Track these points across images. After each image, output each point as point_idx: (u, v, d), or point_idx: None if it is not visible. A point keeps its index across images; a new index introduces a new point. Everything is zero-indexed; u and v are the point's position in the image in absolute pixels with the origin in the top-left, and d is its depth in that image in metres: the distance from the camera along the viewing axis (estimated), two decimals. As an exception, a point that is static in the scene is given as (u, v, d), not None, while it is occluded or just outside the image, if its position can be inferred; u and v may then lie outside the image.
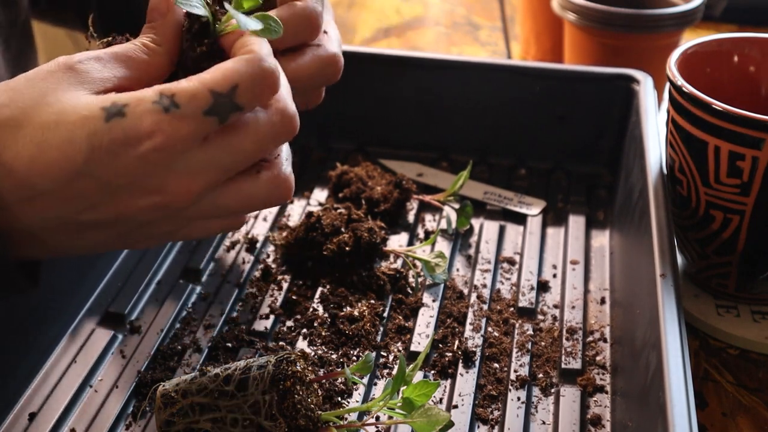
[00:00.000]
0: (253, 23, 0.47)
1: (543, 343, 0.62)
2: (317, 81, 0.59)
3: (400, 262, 0.70)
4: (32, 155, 0.43)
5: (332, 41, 0.60)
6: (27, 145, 0.43)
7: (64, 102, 0.44)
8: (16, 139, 0.43)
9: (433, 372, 0.60)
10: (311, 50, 0.58)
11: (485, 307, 0.65)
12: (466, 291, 0.67)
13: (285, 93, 0.48)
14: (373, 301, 0.65)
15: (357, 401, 0.57)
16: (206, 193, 0.47)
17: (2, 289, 0.46)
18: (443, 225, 0.74)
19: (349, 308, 0.64)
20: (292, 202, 0.78)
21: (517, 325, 0.64)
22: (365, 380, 0.58)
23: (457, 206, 0.74)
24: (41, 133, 0.43)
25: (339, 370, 0.58)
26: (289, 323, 0.64)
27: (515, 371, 0.60)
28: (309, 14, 0.55)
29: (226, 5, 0.48)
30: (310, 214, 0.69)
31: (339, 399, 0.57)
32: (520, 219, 0.76)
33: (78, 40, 2.30)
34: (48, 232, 0.46)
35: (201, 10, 0.47)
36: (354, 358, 0.60)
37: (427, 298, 0.66)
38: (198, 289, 0.67)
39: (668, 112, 0.65)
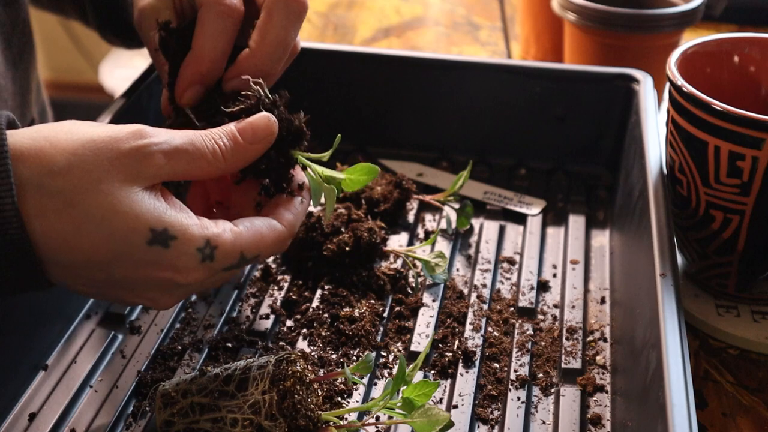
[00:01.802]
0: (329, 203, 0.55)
1: (543, 343, 0.62)
2: (290, 23, 0.57)
3: (400, 262, 0.70)
4: (67, 236, 0.45)
5: None
6: (67, 224, 0.44)
7: (119, 200, 0.45)
8: (60, 215, 0.44)
9: (433, 372, 0.60)
10: (264, 7, 0.57)
11: (485, 307, 0.65)
12: (466, 291, 0.67)
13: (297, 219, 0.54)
14: (373, 301, 0.65)
15: (357, 401, 0.57)
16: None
17: (26, 286, 0.47)
18: (443, 225, 0.74)
19: (349, 308, 0.64)
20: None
21: (517, 325, 0.64)
22: (365, 380, 0.58)
23: (457, 206, 0.74)
24: (82, 221, 0.45)
25: (339, 370, 0.58)
26: (289, 323, 0.64)
27: (515, 371, 0.60)
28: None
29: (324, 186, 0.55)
30: (310, 214, 0.69)
31: (339, 399, 0.57)
32: (520, 219, 0.76)
33: (79, 40, 2.29)
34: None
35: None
36: (354, 358, 0.60)
37: (427, 298, 0.66)
38: (198, 289, 0.67)
39: (668, 112, 0.65)
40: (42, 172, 0.44)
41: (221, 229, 0.48)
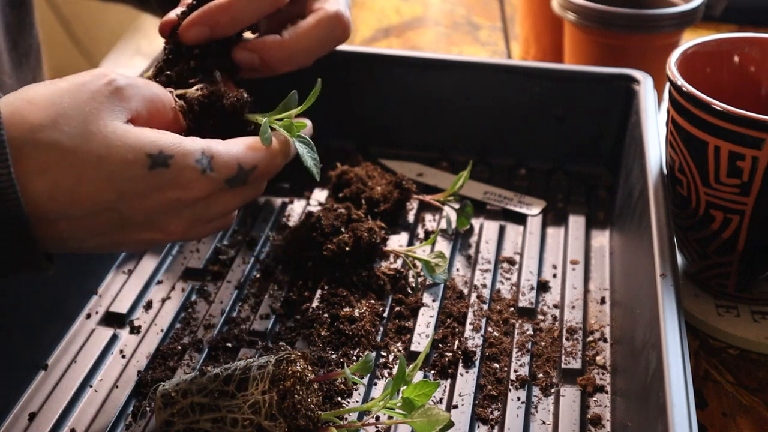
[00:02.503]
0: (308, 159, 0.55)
1: (543, 343, 0.62)
2: (328, 43, 0.62)
3: (400, 262, 0.70)
4: (72, 187, 0.45)
5: (333, 2, 0.62)
6: (68, 176, 0.45)
7: (109, 137, 0.46)
8: (59, 168, 0.45)
9: (433, 372, 0.60)
10: (313, 15, 0.61)
11: (485, 307, 0.65)
12: (466, 291, 0.67)
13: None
14: (373, 301, 0.65)
15: (357, 401, 0.57)
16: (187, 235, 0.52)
17: (27, 267, 0.48)
18: (443, 225, 0.74)
19: (349, 308, 0.64)
20: (292, 202, 0.78)
21: (517, 325, 0.64)
22: (365, 380, 0.58)
23: (457, 206, 0.74)
24: (83, 167, 0.45)
25: (339, 370, 0.58)
26: (289, 323, 0.64)
27: (515, 371, 0.60)
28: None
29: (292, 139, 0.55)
30: (310, 214, 0.69)
31: (339, 399, 0.57)
32: (520, 219, 0.76)
33: (79, 40, 2.30)
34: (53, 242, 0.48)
35: (269, 139, 0.53)
36: (354, 358, 0.60)
37: (427, 298, 0.66)
38: (198, 289, 0.67)
39: (668, 112, 0.65)
40: (32, 129, 0.44)
41: (209, 141, 0.50)
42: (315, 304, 0.65)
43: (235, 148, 0.50)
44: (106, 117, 0.46)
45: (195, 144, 0.48)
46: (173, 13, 0.58)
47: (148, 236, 0.50)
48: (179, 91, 0.55)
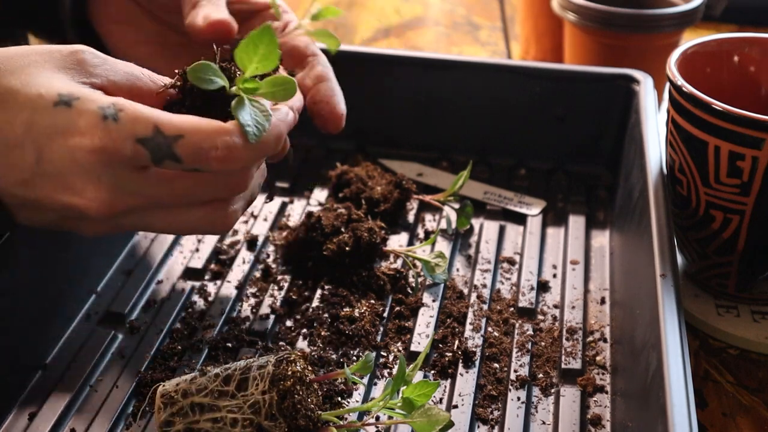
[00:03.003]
0: (251, 126, 0.47)
1: (543, 343, 0.62)
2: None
3: (400, 262, 0.70)
4: None
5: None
6: None
7: (36, 76, 0.46)
8: None
9: (433, 372, 0.60)
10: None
11: (485, 307, 0.65)
12: (466, 291, 0.67)
13: (254, 176, 0.51)
14: (373, 301, 0.65)
15: (357, 401, 0.57)
16: (129, 212, 0.48)
17: None
18: (443, 225, 0.74)
19: (349, 308, 0.64)
20: (292, 202, 0.78)
21: (517, 325, 0.64)
22: (365, 380, 0.58)
23: (457, 206, 0.74)
24: (4, 95, 0.45)
25: (339, 370, 0.58)
26: (289, 323, 0.64)
27: (515, 371, 0.60)
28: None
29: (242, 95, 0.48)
30: (310, 214, 0.69)
31: (339, 399, 0.57)
32: (520, 219, 0.76)
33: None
34: None
35: (216, 84, 0.48)
36: (354, 358, 0.60)
37: (427, 298, 0.66)
38: (198, 289, 0.67)
39: (668, 112, 0.65)
40: None
41: (133, 103, 0.46)
42: (315, 304, 0.65)
43: (163, 113, 0.46)
44: (50, 67, 0.46)
45: (110, 97, 0.46)
46: (220, 14, 0.58)
47: (66, 199, 0.46)
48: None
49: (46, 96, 0.45)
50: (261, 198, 0.78)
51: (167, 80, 0.51)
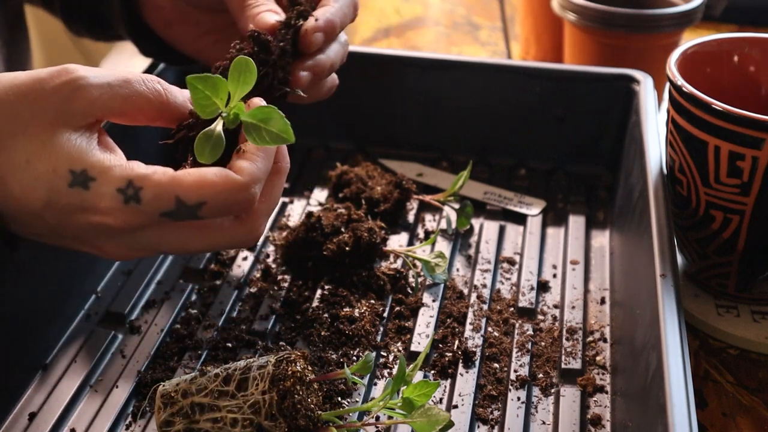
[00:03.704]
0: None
1: (543, 343, 0.62)
2: (347, 21, 0.63)
3: (400, 262, 0.70)
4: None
5: None
6: None
7: (41, 142, 0.44)
8: None
9: (433, 372, 0.60)
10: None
11: (485, 307, 0.65)
12: (466, 291, 0.67)
13: (266, 210, 0.50)
14: (373, 301, 0.65)
15: (357, 401, 0.57)
16: (146, 254, 0.50)
17: None
18: (443, 225, 0.74)
19: (349, 308, 0.64)
20: (292, 202, 0.78)
21: (517, 325, 0.64)
22: (365, 380, 0.58)
23: (457, 206, 0.74)
24: (9, 168, 0.44)
25: (339, 370, 0.58)
26: (289, 323, 0.64)
27: (515, 371, 0.60)
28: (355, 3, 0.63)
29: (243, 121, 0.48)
30: (310, 214, 0.69)
31: (339, 399, 0.57)
32: (520, 219, 0.76)
33: (79, 40, 2.29)
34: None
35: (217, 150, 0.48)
36: (354, 358, 0.60)
37: (427, 298, 0.66)
38: (198, 289, 0.67)
39: (668, 112, 0.65)
40: None
41: (151, 171, 0.45)
42: (315, 304, 0.65)
43: (181, 181, 0.45)
44: (53, 120, 0.45)
45: (125, 172, 0.45)
46: (273, 18, 0.59)
47: (87, 250, 0.48)
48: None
49: (58, 173, 0.44)
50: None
51: (161, 88, 0.49)
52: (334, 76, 0.66)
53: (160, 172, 0.45)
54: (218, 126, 0.48)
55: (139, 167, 0.46)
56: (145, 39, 0.70)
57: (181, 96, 0.50)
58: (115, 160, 0.46)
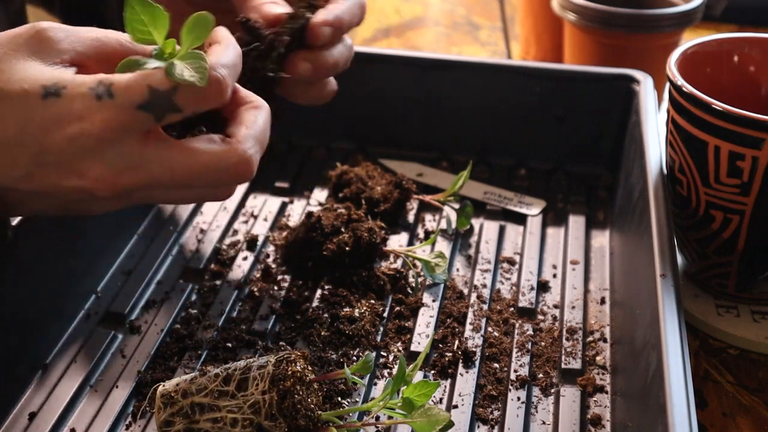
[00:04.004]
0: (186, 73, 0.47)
1: (543, 343, 0.62)
2: (355, 22, 0.64)
3: (400, 262, 0.70)
4: None
5: None
6: None
7: (13, 71, 0.45)
8: None
9: (433, 372, 0.60)
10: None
11: (485, 307, 0.65)
12: (466, 291, 0.67)
13: (249, 137, 0.50)
14: (373, 301, 0.65)
15: (357, 401, 0.57)
16: (135, 189, 0.48)
17: None
18: (443, 225, 0.74)
19: (349, 308, 0.64)
20: (292, 202, 0.78)
21: (517, 325, 0.64)
22: (365, 380, 0.58)
23: (457, 206, 0.74)
24: None
25: (339, 370, 0.58)
26: (289, 323, 0.64)
27: (515, 371, 0.60)
28: (362, 2, 0.64)
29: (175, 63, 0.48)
30: (310, 214, 0.69)
31: (339, 399, 0.57)
32: (520, 219, 0.76)
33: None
34: None
35: (194, 79, 0.47)
36: (354, 358, 0.60)
37: (427, 298, 0.66)
38: (198, 289, 0.67)
39: (668, 112, 0.65)
40: None
41: (118, 74, 0.46)
42: (315, 304, 0.65)
43: (148, 72, 0.46)
44: (20, 57, 0.46)
45: (94, 76, 0.46)
46: (278, 9, 0.59)
47: (71, 182, 0.46)
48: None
49: (31, 90, 0.45)
50: (261, 199, 0.78)
51: (127, 37, 0.49)
52: (333, 81, 0.66)
53: (129, 74, 0.46)
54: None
55: (104, 74, 0.46)
56: None
57: (150, 49, 0.50)
58: (88, 75, 0.46)
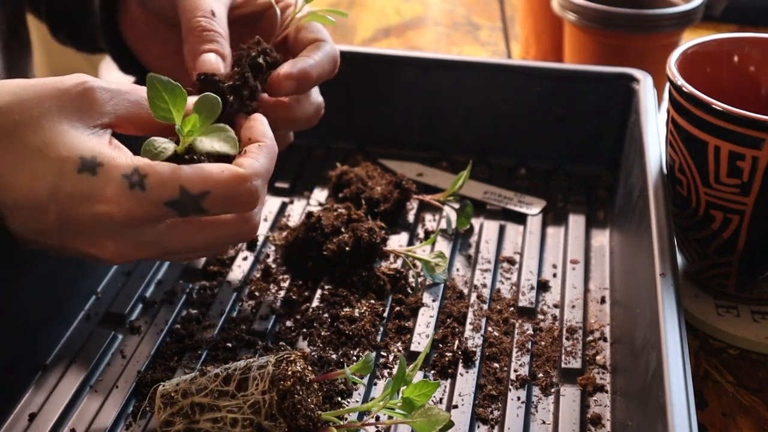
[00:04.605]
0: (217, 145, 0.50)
1: (543, 343, 0.62)
2: (323, 77, 0.62)
3: (400, 262, 0.70)
4: (6, 172, 0.45)
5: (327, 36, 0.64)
6: (6, 160, 0.45)
7: (54, 133, 0.46)
8: (1, 150, 0.45)
9: (433, 372, 0.60)
10: (323, 48, 0.62)
11: (485, 306, 0.65)
12: (466, 291, 0.67)
13: (260, 184, 0.51)
14: (373, 301, 0.65)
15: (357, 401, 0.57)
16: (146, 256, 0.50)
17: None
18: (443, 225, 0.74)
19: (349, 308, 0.64)
20: (292, 202, 0.78)
21: (517, 325, 0.64)
22: (365, 380, 0.58)
23: (457, 206, 0.74)
24: (21, 154, 0.45)
25: (339, 370, 0.58)
26: (289, 323, 0.64)
27: (515, 371, 0.60)
28: (335, 54, 0.62)
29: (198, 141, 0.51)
30: (310, 214, 0.69)
31: (339, 399, 0.57)
32: (520, 219, 0.76)
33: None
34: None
35: (166, 152, 0.49)
36: (354, 358, 0.60)
37: (427, 298, 0.66)
38: (198, 289, 0.67)
39: (668, 112, 0.65)
40: None
41: (156, 163, 0.47)
42: (315, 304, 0.65)
43: (184, 171, 0.47)
44: (64, 115, 0.46)
45: (132, 160, 0.47)
46: (218, 64, 0.58)
47: (88, 250, 0.48)
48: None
49: (68, 159, 0.46)
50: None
51: None
52: (290, 135, 0.65)
53: (162, 164, 0.47)
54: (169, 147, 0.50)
55: (142, 159, 0.48)
56: (123, 54, 0.70)
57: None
58: (123, 153, 0.48)
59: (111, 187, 0.46)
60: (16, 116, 0.45)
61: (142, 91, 0.50)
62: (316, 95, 0.64)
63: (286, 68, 0.58)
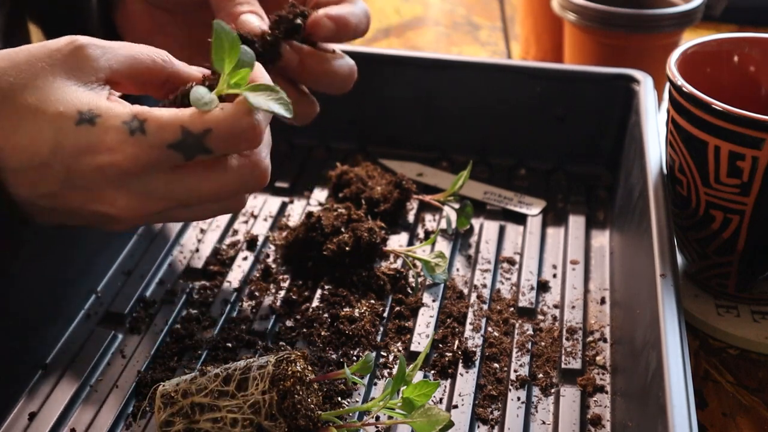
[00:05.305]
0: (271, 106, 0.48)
1: (543, 343, 0.62)
2: (360, 29, 0.63)
3: (400, 262, 0.70)
4: (8, 135, 0.45)
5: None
6: (5, 122, 0.45)
7: (49, 90, 0.46)
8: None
9: (433, 372, 0.60)
10: (356, 3, 0.62)
11: (485, 307, 0.65)
12: (466, 291, 0.67)
13: (264, 145, 0.51)
14: (373, 301, 0.65)
15: (357, 401, 0.57)
16: (157, 213, 0.49)
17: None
18: (443, 225, 0.74)
19: (349, 308, 0.64)
20: (292, 202, 0.78)
21: (517, 325, 0.64)
22: (365, 380, 0.58)
23: (457, 206, 0.74)
24: (19, 115, 0.45)
25: (339, 370, 0.58)
26: (289, 323, 0.64)
27: (515, 371, 0.60)
28: (368, 10, 0.63)
29: (245, 94, 0.49)
30: (310, 214, 0.69)
31: (339, 399, 0.57)
32: (520, 219, 0.76)
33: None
34: (15, 204, 0.48)
35: (212, 103, 0.48)
36: (354, 358, 0.60)
37: (427, 298, 0.66)
38: (198, 288, 0.67)
39: (668, 112, 0.65)
40: None
41: (155, 108, 0.47)
42: (315, 304, 0.65)
43: (184, 112, 0.47)
44: (57, 73, 0.46)
45: (130, 108, 0.46)
46: (256, 22, 0.58)
47: (97, 207, 0.48)
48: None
49: (66, 114, 0.45)
50: (261, 199, 0.78)
51: (162, 55, 0.50)
52: (315, 104, 0.65)
53: (158, 108, 0.47)
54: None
55: (143, 106, 0.47)
56: None
57: (185, 67, 0.51)
58: (120, 103, 0.47)
59: (111, 135, 0.45)
60: (11, 78, 0.45)
61: (135, 47, 0.50)
62: (348, 58, 0.64)
63: (322, 11, 0.59)
